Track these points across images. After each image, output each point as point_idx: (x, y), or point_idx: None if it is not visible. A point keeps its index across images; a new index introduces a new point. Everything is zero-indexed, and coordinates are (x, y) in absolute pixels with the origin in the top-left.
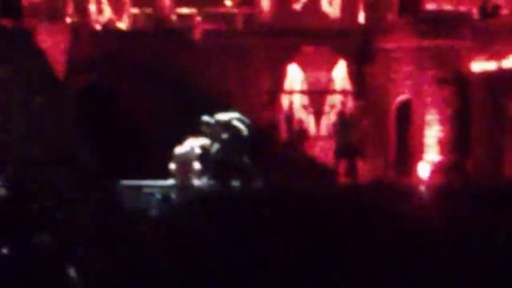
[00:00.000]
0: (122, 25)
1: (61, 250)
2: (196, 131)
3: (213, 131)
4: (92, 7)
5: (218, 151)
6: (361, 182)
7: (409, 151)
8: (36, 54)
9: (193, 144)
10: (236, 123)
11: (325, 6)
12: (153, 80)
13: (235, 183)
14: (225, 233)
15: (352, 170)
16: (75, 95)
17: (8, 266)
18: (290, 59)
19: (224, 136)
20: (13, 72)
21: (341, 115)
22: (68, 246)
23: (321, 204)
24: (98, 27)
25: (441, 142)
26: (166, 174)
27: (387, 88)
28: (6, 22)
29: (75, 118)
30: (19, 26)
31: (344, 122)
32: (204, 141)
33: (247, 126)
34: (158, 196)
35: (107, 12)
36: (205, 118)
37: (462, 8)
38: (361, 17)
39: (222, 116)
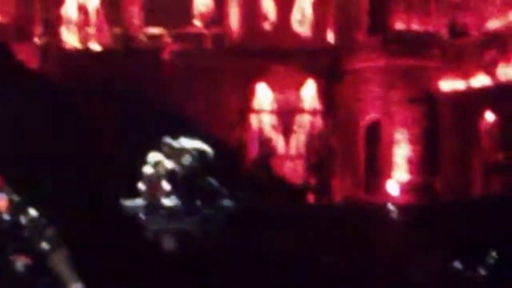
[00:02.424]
0: (91, 45)
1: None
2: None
3: (174, 154)
4: (61, 28)
5: (182, 173)
6: (330, 201)
7: (378, 170)
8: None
9: (158, 162)
10: (199, 145)
11: (294, 26)
12: (121, 100)
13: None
14: None
15: (323, 189)
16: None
17: None
18: (259, 79)
19: (187, 158)
20: None
21: (310, 133)
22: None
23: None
24: (67, 47)
25: (410, 161)
26: (133, 194)
27: (356, 107)
28: None
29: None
30: None
31: (313, 141)
32: (169, 162)
33: (212, 147)
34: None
35: (76, 32)
36: (167, 140)
37: (431, 28)
38: (330, 37)
39: (185, 139)
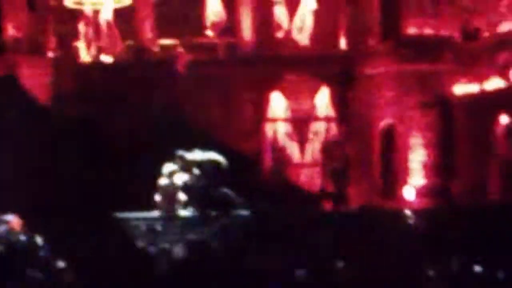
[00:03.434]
0: (105, 58)
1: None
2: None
3: (188, 166)
4: (75, 41)
5: (197, 184)
6: (347, 208)
7: (394, 176)
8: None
9: (174, 175)
10: (213, 156)
11: (306, 33)
12: (136, 112)
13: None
14: None
15: (339, 196)
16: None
17: None
18: (272, 87)
19: (200, 170)
20: None
21: (326, 141)
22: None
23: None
24: (80, 60)
25: (425, 166)
26: (150, 206)
27: (371, 113)
28: None
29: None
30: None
31: (329, 148)
32: (184, 174)
33: (227, 156)
34: (144, 227)
35: (89, 46)
36: (180, 153)
37: (443, 32)
38: (343, 43)
39: (198, 151)
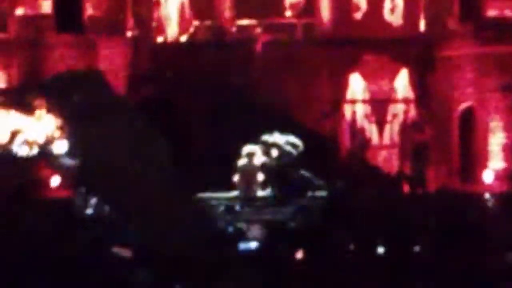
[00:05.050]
0: (183, 38)
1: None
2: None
3: (268, 148)
4: (153, 21)
5: (275, 165)
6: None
7: (473, 159)
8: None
9: (252, 155)
10: (291, 138)
11: (386, 14)
12: (213, 93)
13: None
14: None
15: (418, 179)
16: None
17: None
18: (351, 69)
19: (279, 152)
20: None
21: (404, 123)
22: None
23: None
24: (158, 40)
25: (505, 149)
26: (229, 186)
27: (450, 95)
28: (68, 37)
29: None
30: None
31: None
32: (263, 155)
33: (306, 138)
34: (222, 207)
35: (169, 25)
36: (264, 137)
37: None
38: (422, 25)
39: (277, 134)
